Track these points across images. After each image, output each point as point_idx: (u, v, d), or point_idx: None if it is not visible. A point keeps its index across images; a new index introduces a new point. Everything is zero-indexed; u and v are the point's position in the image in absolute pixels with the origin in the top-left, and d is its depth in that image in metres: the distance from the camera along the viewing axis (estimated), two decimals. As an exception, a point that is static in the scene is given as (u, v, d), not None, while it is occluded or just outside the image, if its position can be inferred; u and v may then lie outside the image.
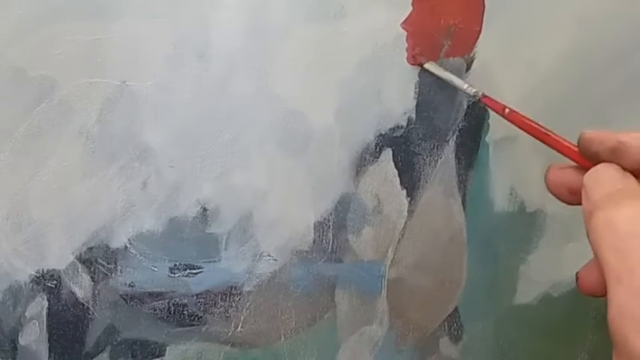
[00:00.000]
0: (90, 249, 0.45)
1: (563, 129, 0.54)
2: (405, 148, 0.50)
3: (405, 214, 0.52)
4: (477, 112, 0.51)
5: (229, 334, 0.49)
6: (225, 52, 0.45)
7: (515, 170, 0.53)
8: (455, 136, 0.51)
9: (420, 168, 0.51)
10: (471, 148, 0.52)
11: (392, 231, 0.51)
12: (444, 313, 0.55)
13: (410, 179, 0.51)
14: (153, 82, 0.44)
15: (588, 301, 0.58)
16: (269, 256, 0.49)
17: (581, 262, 0.55)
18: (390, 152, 0.50)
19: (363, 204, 0.50)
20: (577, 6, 0.53)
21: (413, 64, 0.49)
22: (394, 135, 0.50)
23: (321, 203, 0.49)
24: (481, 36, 0.50)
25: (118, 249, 0.46)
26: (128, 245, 0.46)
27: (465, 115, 0.51)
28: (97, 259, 0.45)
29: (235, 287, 0.48)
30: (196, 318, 0.48)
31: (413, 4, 0.48)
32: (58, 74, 0.42)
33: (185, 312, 0.48)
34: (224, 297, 0.48)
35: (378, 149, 0.50)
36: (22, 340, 0.45)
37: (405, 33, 0.48)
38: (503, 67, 0.52)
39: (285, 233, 0.49)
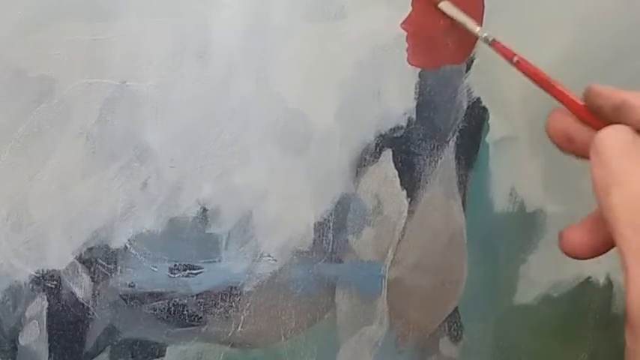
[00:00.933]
0: (90, 249, 0.45)
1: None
2: (405, 149, 0.50)
3: (405, 214, 0.52)
4: (477, 112, 0.51)
5: (229, 334, 0.49)
6: (225, 52, 0.45)
7: (515, 170, 0.53)
8: (455, 137, 0.51)
9: (420, 168, 0.51)
10: (471, 148, 0.52)
11: (392, 231, 0.51)
12: (444, 313, 0.55)
13: (410, 180, 0.51)
14: (153, 82, 0.44)
15: (588, 301, 0.58)
16: (269, 256, 0.49)
17: (581, 262, 0.55)
18: (390, 153, 0.50)
19: (363, 204, 0.50)
20: (577, 6, 0.53)
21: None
22: (394, 135, 0.50)
23: (321, 203, 0.49)
24: (481, 36, 0.50)
25: (118, 249, 0.46)
26: (128, 245, 0.46)
27: (465, 115, 0.51)
28: (97, 259, 0.45)
29: (235, 287, 0.48)
30: (196, 318, 0.48)
31: (413, 4, 0.48)
32: (58, 74, 0.42)
33: (185, 312, 0.48)
34: (224, 297, 0.48)
35: (378, 149, 0.50)
36: (22, 341, 0.45)
37: (405, 33, 0.48)
38: (503, 67, 0.52)
39: (285, 233, 0.49)
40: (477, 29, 0.46)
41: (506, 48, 0.44)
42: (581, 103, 0.36)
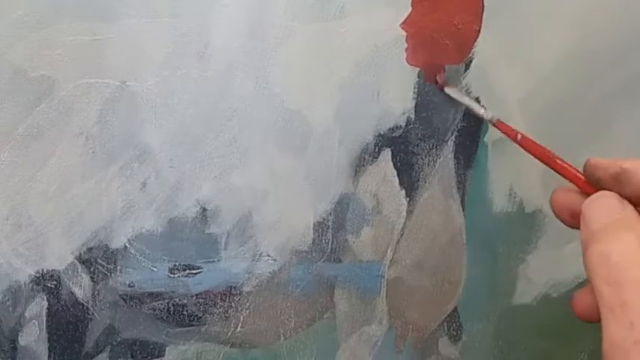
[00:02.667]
0: (89, 249, 0.45)
1: (564, 129, 0.55)
2: (404, 149, 0.50)
3: (404, 214, 0.52)
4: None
5: (229, 334, 0.49)
6: (225, 52, 0.45)
7: (514, 170, 0.53)
8: (454, 137, 0.51)
9: (419, 168, 0.51)
10: (470, 148, 0.52)
11: (391, 231, 0.51)
12: (444, 313, 0.55)
13: (409, 179, 0.51)
14: (153, 82, 0.44)
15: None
16: (268, 256, 0.49)
17: (580, 262, 0.55)
18: (389, 152, 0.50)
19: (362, 204, 0.50)
20: (577, 6, 0.53)
21: (436, 85, 0.50)
22: (393, 135, 0.50)
23: (321, 203, 0.49)
24: (480, 36, 0.50)
25: (117, 249, 0.46)
26: (128, 245, 0.46)
27: (464, 115, 0.51)
28: (97, 259, 0.46)
29: (235, 287, 0.48)
30: (196, 318, 0.48)
31: (412, 4, 0.48)
32: (58, 74, 0.42)
33: (185, 312, 0.48)
34: (223, 297, 0.48)
35: (377, 149, 0.50)
36: (22, 341, 0.45)
37: (404, 33, 0.48)
38: (503, 67, 0.52)
39: (284, 233, 0.49)
40: (481, 111, 0.48)
41: (509, 127, 0.45)
42: (583, 177, 0.37)
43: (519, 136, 0.44)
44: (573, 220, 0.36)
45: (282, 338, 0.51)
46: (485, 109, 0.48)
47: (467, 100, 0.49)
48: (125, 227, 0.46)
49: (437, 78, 0.49)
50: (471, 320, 0.56)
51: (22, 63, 0.42)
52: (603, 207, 0.32)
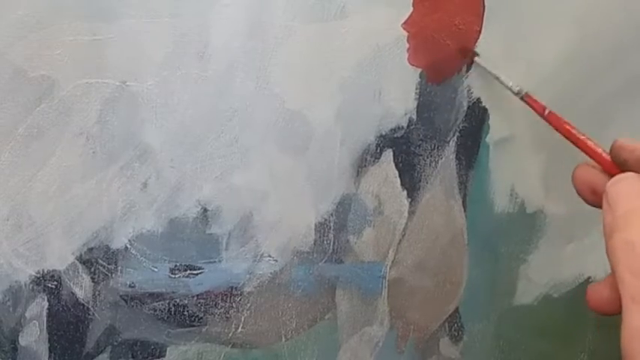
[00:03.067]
0: (90, 249, 0.45)
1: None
2: (405, 149, 0.50)
3: (406, 214, 0.52)
4: (478, 112, 0.51)
5: (230, 334, 0.49)
6: (225, 52, 0.45)
7: (516, 171, 0.54)
8: (455, 137, 0.51)
9: (420, 169, 0.51)
10: (472, 148, 0.52)
11: (392, 232, 0.51)
12: (445, 313, 0.55)
13: (410, 180, 0.51)
14: (153, 82, 0.44)
15: (588, 301, 0.58)
16: (269, 256, 0.49)
17: (581, 263, 0.56)
18: (391, 153, 0.50)
19: (363, 205, 0.50)
20: (577, 6, 0.53)
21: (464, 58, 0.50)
22: (395, 136, 0.50)
23: (322, 204, 0.49)
24: (481, 36, 0.50)
25: (118, 249, 0.46)
26: (128, 246, 0.46)
27: (466, 116, 0.51)
28: (98, 259, 0.45)
29: (236, 288, 0.48)
30: (197, 319, 0.48)
31: (414, 4, 0.48)
32: (58, 74, 0.42)
33: (185, 313, 0.48)
34: (224, 298, 0.48)
35: (378, 150, 0.50)
36: (23, 341, 0.45)
37: (405, 34, 0.48)
38: (503, 67, 0.52)
39: (285, 234, 0.49)
40: (510, 83, 0.47)
41: (537, 102, 0.45)
42: (608, 157, 0.37)
43: (547, 111, 0.44)
44: (594, 197, 0.36)
45: (283, 339, 0.51)
46: (513, 81, 0.48)
47: (496, 71, 0.49)
48: (126, 227, 0.46)
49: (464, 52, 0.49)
50: (472, 320, 0.56)
51: (22, 63, 0.42)
52: (628, 189, 0.32)
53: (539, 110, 0.45)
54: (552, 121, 0.44)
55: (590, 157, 0.39)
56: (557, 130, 0.43)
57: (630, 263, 0.29)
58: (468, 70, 0.50)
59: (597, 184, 0.36)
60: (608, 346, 0.59)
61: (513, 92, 0.48)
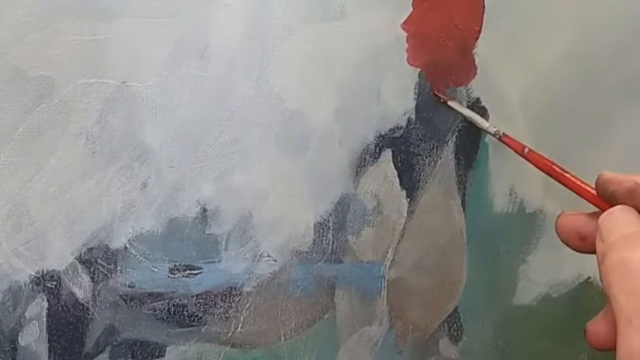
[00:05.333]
0: (90, 249, 0.45)
1: (564, 129, 0.55)
2: (404, 149, 0.50)
3: (405, 214, 0.52)
4: (477, 112, 0.51)
5: (229, 334, 0.49)
6: (225, 52, 0.45)
7: (515, 171, 0.53)
8: (454, 137, 0.51)
9: (419, 168, 0.51)
10: (471, 148, 0.52)
11: (392, 231, 0.51)
12: (444, 313, 0.55)
13: (410, 180, 0.51)
14: (153, 82, 0.44)
15: (588, 301, 0.58)
16: (269, 256, 0.49)
17: (580, 263, 0.55)
18: (390, 153, 0.50)
19: (362, 204, 0.50)
20: (577, 6, 0.53)
21: (437, 97, 0.49)
22: (394, 135, 0.50)
23: (321, 204, 0.49)
24: (481, 36, 0.50)
25: (117, 249, 0.46)
26: (128, 246, 0.46)
27: (465, 115, 0.51)
28: (97, 259, 0.45)
29: (235, 288, 0.48)
30: (196, 318, 0.48)
31: (413, 4, 0.48)
32: (58, 74, 0.42)
33: (185, 312, 0.48)
34: (224, 297, 0.48)
35: (377, 150, 0.50)
36: (22, 341, 0.45)
37: (404, 33, 0.48)
38: (503, 67, 0.52)
39: (284, 234, 0.49)
40: (486, 125, 0.47)
41: (515, 141, 0.45)
42: (593, 190, 0.36)
43: (526, 150, 0.44)
44: (582, 242, 0.36)
45: (282, 339, 0.50)
46: (489, 123, 0.48)
47: (471, 114, 0.49)
48: (125, 227, 0.46)
49: (439, 94, 0.49)
50: (471, 320, 0.56)
51: (22, 63, 0.42)
52: (621, 220, 0.32)
53: (518, 149, 0.45)
54: (532, 159, 0.43)
55: (576, 193, 0.39)
56: (538, 168, 0.43)
57: (624, 282, 0.29)
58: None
59: (584, 229, 0.35)
60: (608, 346, 0.58)
61: (490, 133, 0.48)
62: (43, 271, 0.45)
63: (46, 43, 0.42)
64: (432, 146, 0.51)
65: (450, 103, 0.49)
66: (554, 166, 0.41)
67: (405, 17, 0.48)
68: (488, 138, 0.52)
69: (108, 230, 0.45)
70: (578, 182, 0.39)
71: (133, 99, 0.44)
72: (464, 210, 0.53)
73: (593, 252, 0.34)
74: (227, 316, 0.49)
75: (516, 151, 0.45)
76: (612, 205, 0.34)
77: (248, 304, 0.49)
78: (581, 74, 0.54)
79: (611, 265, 0.30)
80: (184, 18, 0.44)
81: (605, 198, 0.35)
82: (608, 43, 0.54)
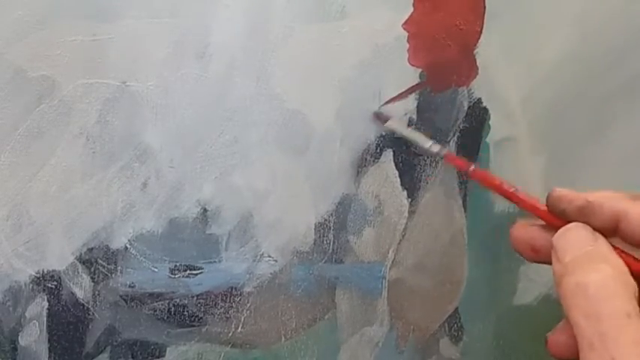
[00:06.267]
0: (90, 250, 0.45)
1: (564, 128, 0.55)
2: (405, 149, 0.50)
3: (406, 214, 0.52)
4: (478, 112, 0.51)
5: (230, 334, 0.49)
6: (226, 52, 0.45)
7: (516, 171, 0.54)
8: (455, 137, 0.51)
9: (420, 169, 0.51)
10: (472, 148, 0.52)
11: (393, 232, 0.51)
12: (445, 313, 0.55)
13: (411, 180, 0.51)
14: (153, 82, 0.44)
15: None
16: (269, 256, 0.49)
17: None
18: (391, 153, 0.50)
19: (363, 205, 0.50)
20: (577, 6, 0.53)
21: (376, 121, 0.49)
22: (395, 135, 0.50)
23: (322, 204, 0.49)
24: (482, 36, 0.50)
25: (118, 250, 0.46)
26: (128, 246, 0.46)
27: (466, 115, 0.51)
28: (97, 259, 0.45)
29: (236, 288, 0.48)
30: (197, 319, 0.48)
31: (414, 4, 0.48)
32: (58, 74, 0.42)
33: (185, 313, 0.48)
34: (224, 298, 0.48)
35: (378, 150, 0.50)
36: (22, 341, 0.45)
37: (405, 33, 0.48)
38: (503, 67, 0.52)
39: (285, 234, 0.49)
40: (427, 145, 0.46)
41: (459, 159, 0.44)
42: (543, 207, 0.36)
43: (472, 168, 0.43)
44: (535, 254, 0.35)
45: (283, 339, 0.50)
46: (433, 141, 0.47)
47: (411, 133, 0.48)
48: (126, 228, 0.46)
49: (377, 117, 0.48)
50: (472, 320, 0.56)
51: (22, 63, 0.42)
52: (575, 238, 0.32)
53: (464, 167, 0.43)
54: (479, 178, 0.42)
55: (526, 210, 0.37)
56: (486, 186, 0.41)
57: (584, 307, 0.29)
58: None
59: (536, 241, 0.35)
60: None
61: (432, 154, 0.46)
62: (43, 271, 0.45)
63: (46, 43, 0.42)
64: (433, 146, 0.51)
65: (387, 124, 0.48)
66: (503, 185, 0.40)
67: (406, 17, 0.48)
68: (489, 138, 0.52)
69: (108, 230, 0.45)
70: (529, 199, 0.38)
71: (133, 99, 0.44)
72: (465, 210, 0.53)
73: (547, 263, 0.34)
74: (227, 316, 0.49)
75: (461, 170, 0.44)
76: (564, 223, 0.33)
77: (248, 305, 0.49)
78: (582, 74, 0.54)
79: (569, 290, 0.30)
80: (184, 18, 0.44)
81: (556, 215, 0.34)
82: (608, 43, 0.54)
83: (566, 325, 0.33)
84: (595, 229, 0.32)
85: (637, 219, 0.31)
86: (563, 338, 0.33)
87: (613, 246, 0.31)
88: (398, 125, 0.48)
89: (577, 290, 0.29)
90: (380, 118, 0.48)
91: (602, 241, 0.31)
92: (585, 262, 0.30)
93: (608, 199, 0.32)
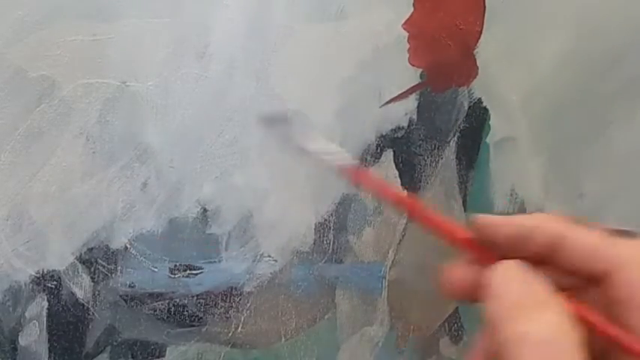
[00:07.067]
0: (90, 249, 0.45)
1: (564, 128, 0.55)
2: (406, 149, 0.50)
3: (406, 215, 0.52)
4: (478, 113, 0.51)
5: (229, 334, 0.49)
6: (226, 52, 0.45)
7: (516, 171, 0.54)
8: (456, 137, 0.51)
9: (421, 169, 0.51)
10: (472, 149, 0.52)
11: (393, 232, 0.51)
12: (445, 313, 0.55)
13: (411, 180, 0.51)
14: (153, 82, 0.44)
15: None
16: (269, 256, 0.49)
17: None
18: (391, 153, 0.50)
19: (363, 205, 0.50)
20: (577, 6, 0.53)
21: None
22: (395, 136, 0.50)
23: (322, 204, 0.49)
24: (482, 36, 0.50)
25: (118, 250, 0.46)
26: (128, 246, 0.46)
27: (466, 116, 0.51)
28: (97, 259, 0.45)
29: (235, 288, 0.48)
30: (196, 318, 0.48)
31: (414, 5, 0.48)
32: (58, 74, 0.42)
33: (185, 312, 0.48)
34: (224, 298, 0.48)
35: (379, 150, 0.50)
36: (22, 341, 0.45)
37: (406, 34, 0.48)
38: (503, 67, 0.52)
39: (285, 234, 0.49)
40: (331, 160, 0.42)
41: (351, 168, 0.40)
42: (467, 234, 0.31)
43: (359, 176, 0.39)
44: (471, 296, 0.33)
45: (283, 339, 0.50)
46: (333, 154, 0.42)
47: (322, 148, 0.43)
48: (126, 228, 0.46)
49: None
50: (472, 320, 0.56)
51: (22, 63, 0.42)
52: (514, 279, 0.30)
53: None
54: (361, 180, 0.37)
55: (444, 234, 0.31)
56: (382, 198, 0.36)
57: (528, 355, 0.28)
58: None
59: (466, 281, 0.32)
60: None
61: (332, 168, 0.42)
62: (43, 271, 0.45)
63: (46, 43, 0.42)
64: (433, 146, 0.51)
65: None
66: (414, 203, 0.33)
67: (406, 18, 0.48)
68: (489, 138, 0.52)
69: (108, 230, 0.45)
70: (447, 224, 0.31)
71: (133, 99, 0.44)
72: (465, 210, 0.53)
73: (471, 299, 0.31)
74: (227, 316, 0.49)
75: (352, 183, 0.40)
76: (489, 252, 0.31)
77: (249, 304, 0.49)
78: (581, 74, 0.54)
79: (511, 337, 0.29)
80: (184, 18, 0.44)
81: (482, 244, 0.31)
82: (608, 43, 0.54)
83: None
84: (527, 257, 0.30)
85: (575, 245, 0.30)
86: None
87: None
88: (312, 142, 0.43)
89: (520, 338, 0.28)
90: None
91: (537, 281, 0.29)
92: (524, 309, 0.29)
93: (543, 222, 0.30)
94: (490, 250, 0.29)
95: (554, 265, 0.30)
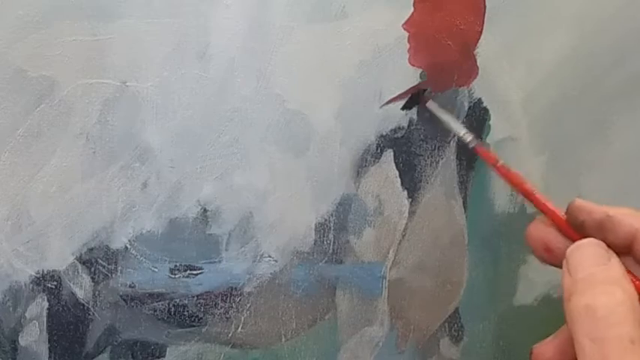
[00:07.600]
0: (90, 250, 0.45)
1: (565, 128, 0.55)
2: (406, 149, 0.50)
3: (406, 215, 0.52)
4: (478, 113, 0.51)
5: (230, 335, 0.49)
6: (226, 52, 0.45)
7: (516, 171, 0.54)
8: (456, 137, 0.51)
9: (421, 169, 0.51)
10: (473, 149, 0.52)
11: (393, 232, 0.51)
12: (445, 314, 0.55)
13: (411, 180, 0.51)
14: (153, 82, 0.44)
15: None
16: (269, 257, 0.49)
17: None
18: (392, 153, 0.50)
19: (364, 205, 0.50)
20: (577, 7, 0.53)
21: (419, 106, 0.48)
22: (395, 136, 0.50)
23: (322, 204, 0.49)
24: (482, 36, 0.50)
25: (118, 250, 0.46)
26: (128, 246, 0.46)
27: (467, 116, 0.51)
28: (98, 259, 0.45)
29: (236, 288, 0.48)
30: (197, 319, 0.48)
31: (414, 4, 0.48)
32: (58, 74, 0.42)
33: (185, 313, 0.48)
34: (224, 298, 0.48)
35: (379, 150, 0.50)
36: (23, 341, 0.45)
37: (406, 34, 0.48)
38: (503, 67, 0.52)
39: (285, 234, 0.49)
40: (462, 132, 0.46)
41: (488, 153, 0.44)
42: (563, 216, 0.35)
43: (499, 163, 0.43)
44: (548, 254, 0.35)
45: (283, 339, 0.50)
46: (466, 130, 0.47)
47: (447, 118, 0.48)
48: (126, 228, 0.46)
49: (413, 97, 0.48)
50: (472, 321, 0.56)
51: (22, 63, 0.42)
52: (589, 255, 0.31)
53: (491, 161, 0.43)
54: (503, 174, 0.42)
55: (545, 214, 0.37)
56: (509, 183, 0.41)
57: (591, 329, 0.29)
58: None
59: (551, 241, 0.35)
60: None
61: (465, 141, 0.46)
62: (43, 271, 0.45)
63: (46, 43, 0.42)
64: (433, 147, 0.51)
65: (427, 104, 0.48)
66: (525, 185, 0.40)
67: (406, 17, 0.48)
68: (490, 138, 0.52)
69: (108, 230, 0.45)
70: (549, 205, 0.37)
71: (133, 99, 0.44)
72: (465, 210, 0.53)
73: (555, 266, 0.33)
74: (228, 316, 0.49)
75: (488, 163, 0.44)
76: (580, 234, 0.33)
77: (249, 305, 0.49)
78: (582, 74, 0.54)
79: (577, 311, 0.30)
80: (185, 18, 0.44)
81: (574, 226, 0.34)
82: (609, 43, 0.54)
83: (555, 339, 0.32)
84: (610, 245, 0.32)
85: None
86: (550, 353, 0.32)
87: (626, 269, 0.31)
88: (436, 108, 0.48)
89: (585, 312, 0.29)
90: (421, 99, 0.48)
91: (615, 261, 0.31)
92: (596, 283, 0.30)
93: (628, 216, 0.32)
94: (579, 232, 0.31)
95: (633, 256, 0.31)
